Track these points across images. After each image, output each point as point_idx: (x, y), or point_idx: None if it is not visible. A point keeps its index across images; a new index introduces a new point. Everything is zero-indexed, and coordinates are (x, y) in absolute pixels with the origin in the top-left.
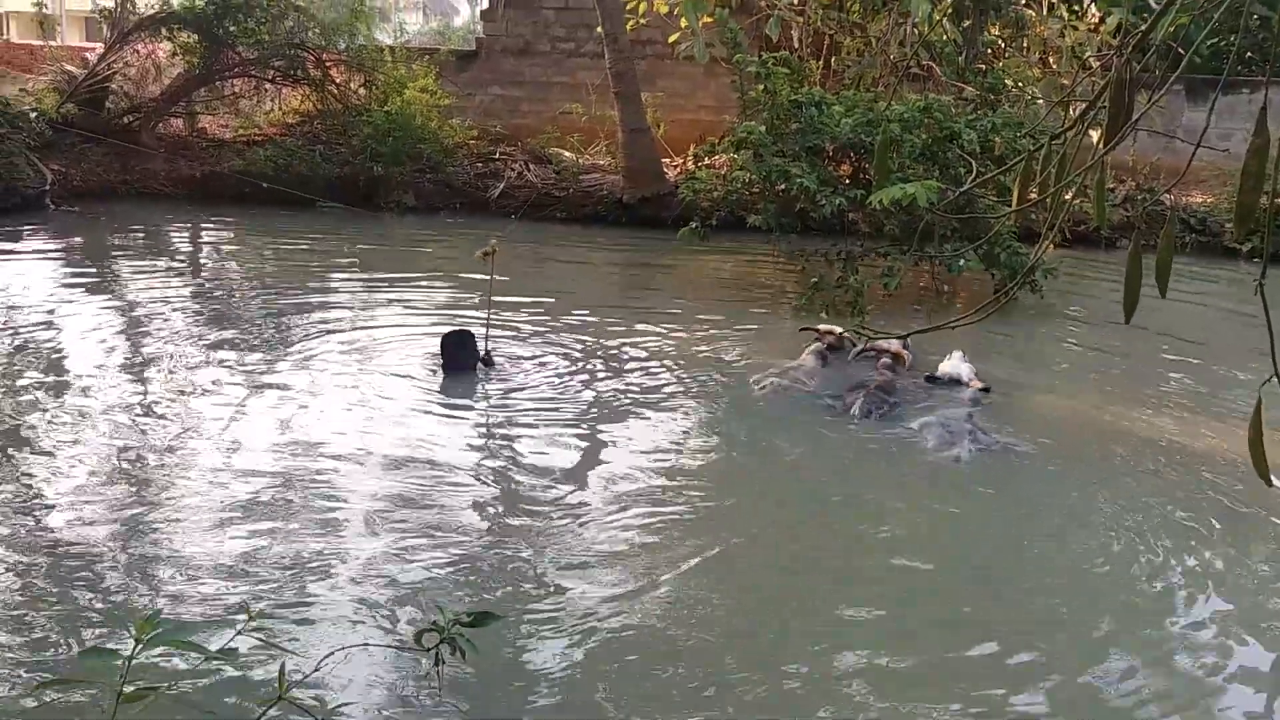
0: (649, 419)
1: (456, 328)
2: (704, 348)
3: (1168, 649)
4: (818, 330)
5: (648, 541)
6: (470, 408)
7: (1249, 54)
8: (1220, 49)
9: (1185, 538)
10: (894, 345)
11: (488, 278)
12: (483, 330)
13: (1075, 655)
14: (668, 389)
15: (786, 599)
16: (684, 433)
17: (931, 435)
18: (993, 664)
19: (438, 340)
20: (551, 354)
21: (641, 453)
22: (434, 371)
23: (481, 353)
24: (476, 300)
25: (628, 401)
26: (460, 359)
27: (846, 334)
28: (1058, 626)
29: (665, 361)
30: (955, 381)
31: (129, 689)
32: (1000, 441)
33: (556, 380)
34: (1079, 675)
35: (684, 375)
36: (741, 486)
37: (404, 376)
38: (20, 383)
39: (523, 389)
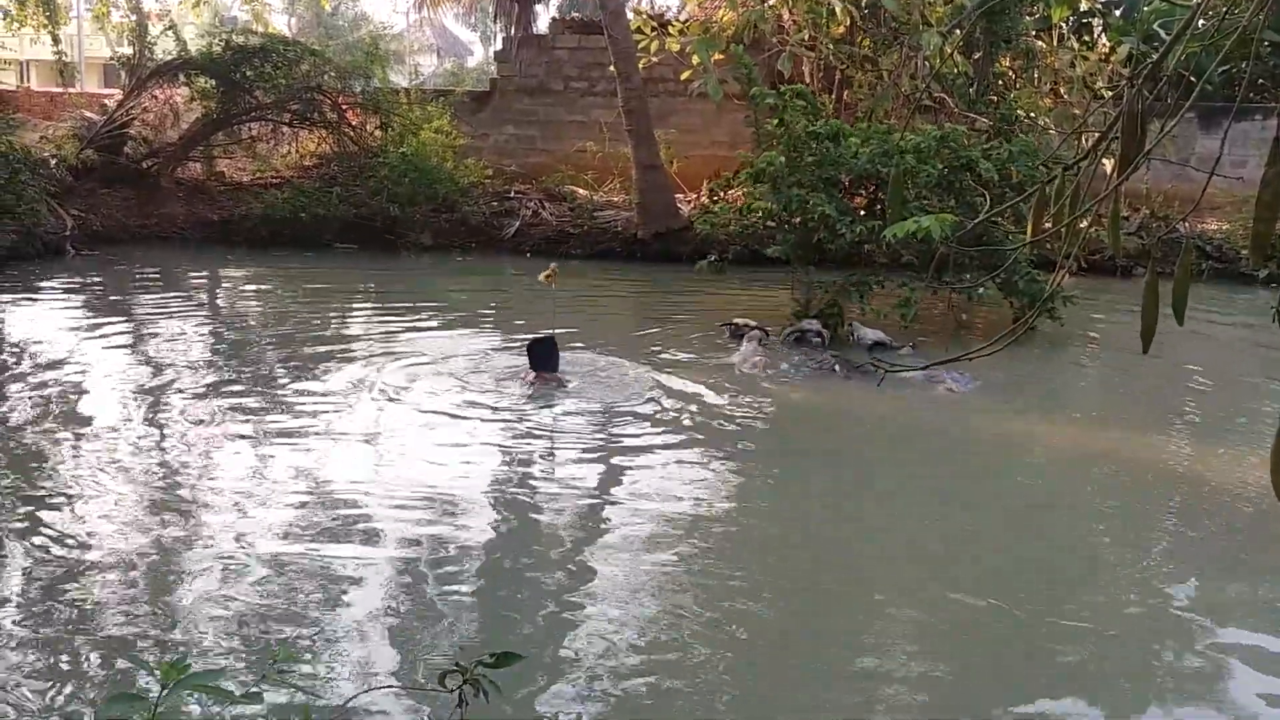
0: (675, 441)
1: (541, 335)
2: (723, 375)
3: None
4: (735, 323)
5: (677, 571)
6: (489, 444)
7: (1261, 80)
8: (1232, 76)
9: (1195, 561)
10: (753, 323)
11: (552, 302)
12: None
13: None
14: (693, 410)
15: (829, 604)
16: (714, 449)
17: (917, 382)
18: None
19: (456, 376)
20: (577, 384)
21: (670, 479)
22: (467, 403)
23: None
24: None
25: (650, 427)
26: (547, 361)
27: (756, 325)
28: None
29: (686, 386)
30: (880, 344)
31: None
32: (973, 382)
33: (578, 410)
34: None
35: (706, 396)
36: (786, 459)
37: (424, 413)
38: (41, 426)
39: (540, 422)
